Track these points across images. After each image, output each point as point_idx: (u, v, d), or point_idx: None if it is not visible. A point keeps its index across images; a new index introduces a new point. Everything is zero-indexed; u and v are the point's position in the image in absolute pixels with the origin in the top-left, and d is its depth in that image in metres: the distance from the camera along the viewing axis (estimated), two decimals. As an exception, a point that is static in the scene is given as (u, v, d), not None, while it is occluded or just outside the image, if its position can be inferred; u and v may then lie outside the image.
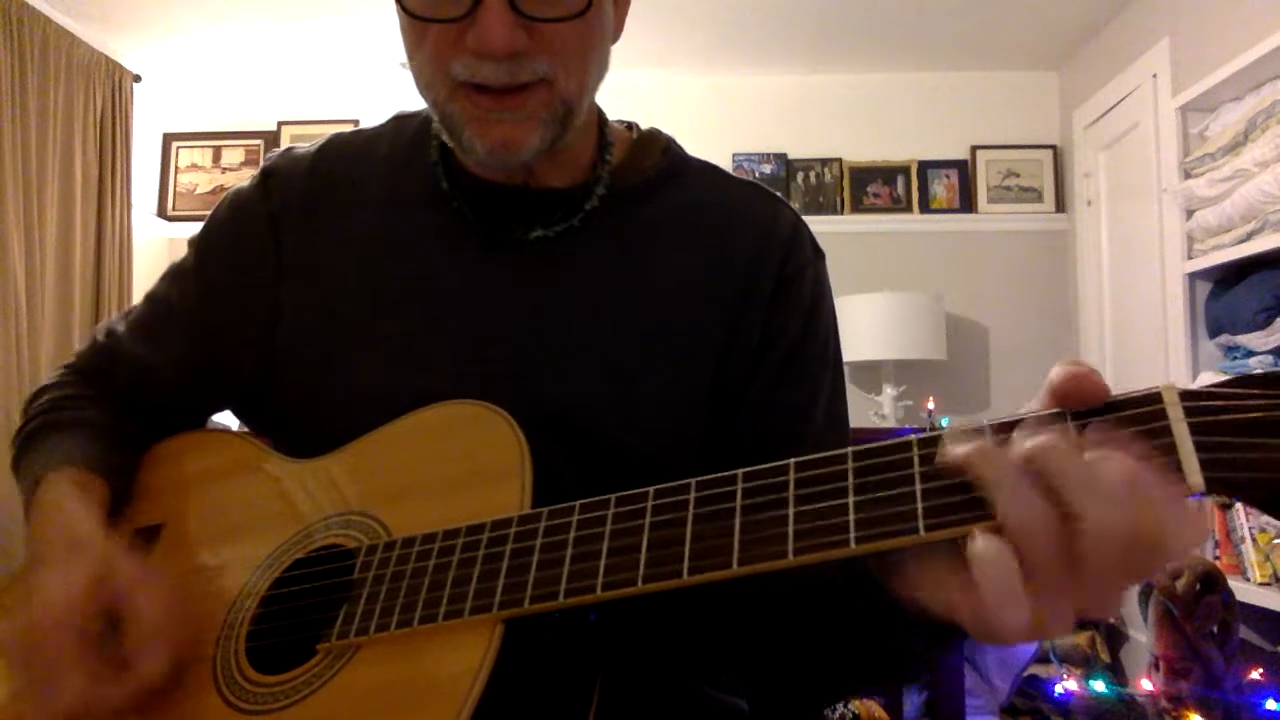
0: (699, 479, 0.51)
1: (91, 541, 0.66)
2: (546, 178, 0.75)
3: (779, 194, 0.83)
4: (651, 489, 0.52)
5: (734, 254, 0.75)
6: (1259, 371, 0.41)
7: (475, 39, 0.63)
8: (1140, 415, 0.42)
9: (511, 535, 0.56)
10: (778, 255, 0.76)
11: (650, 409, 0.72)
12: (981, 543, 0.41)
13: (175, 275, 0.85)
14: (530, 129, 0.67)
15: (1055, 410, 0.44)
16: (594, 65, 0.69)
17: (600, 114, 0.79)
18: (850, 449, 0.48)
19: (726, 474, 0.50)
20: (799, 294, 0.76)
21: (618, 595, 0.50)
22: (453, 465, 0.63)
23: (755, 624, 0.69)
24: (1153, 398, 0.42)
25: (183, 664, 0.63)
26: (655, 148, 0.81)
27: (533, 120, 0.67)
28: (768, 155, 3.89)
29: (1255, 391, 0.40)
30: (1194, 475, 0.40)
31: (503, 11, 0.62)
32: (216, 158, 4.06)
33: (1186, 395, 0.41)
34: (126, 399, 0.85)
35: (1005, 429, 0.44)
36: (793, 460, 0.49)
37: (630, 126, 0.83)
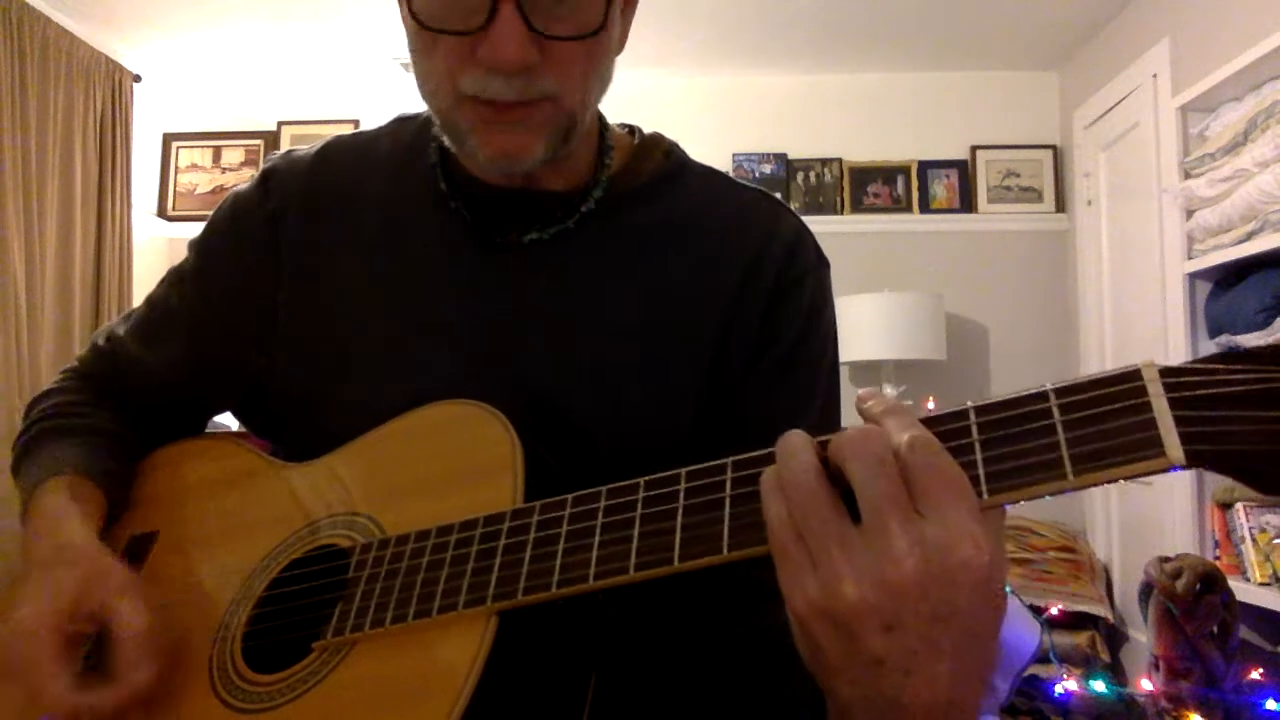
0: (689, 469, 0.52)
1: (81, 549, 0.66)
2: (546, 181, 0.75)
3: (783, 200, 0.83)
4: (642, 480, 0.53)
5: (733, 257, 0.75)
6: (1239, 349, 0.42)
7: (488, 52, 0.63)
8: (1121, 391, 0.42)
9: (505, 530, 0.56)
10: (779, 260, 0.76)
11: (641, 410, 0.72)
12: None
13: (176, 278, 0.85)
14: (534, 140, 0.67)
15: (1037, 390, 0.44)
16: (599, 80, 0.70)
17: (601, 118, 0.80)
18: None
19: (716, 463, 0.51)
20: (799, 300, 0.76)
21: (610, 584, 0.51)
22: (446, 464, 0.64)
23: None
24: (1132, 374, 0.42)
25: (175, 667, 0.63)
26: (657, 152, 0.81)
27: (537, 132, 0.67)
28: (768, 155, 3.89)
29: (1234, 366, 0.41)
30: (1174, 449, 0.40)
31: (517, 26, 0.62)
32: (216, 158, 4.07)
33: (1166, 371, 0.42)
34: (128, 402, 0.85)
35: (988, 410, 0.45)
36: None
37: (633, 131, 0.83)
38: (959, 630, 0.41)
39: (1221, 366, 0.41)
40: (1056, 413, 0.43)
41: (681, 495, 0.51)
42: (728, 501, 0.49)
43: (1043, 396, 0.44)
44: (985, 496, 0.43)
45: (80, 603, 0.61)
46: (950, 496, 0.42)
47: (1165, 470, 0.40)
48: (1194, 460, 0.40)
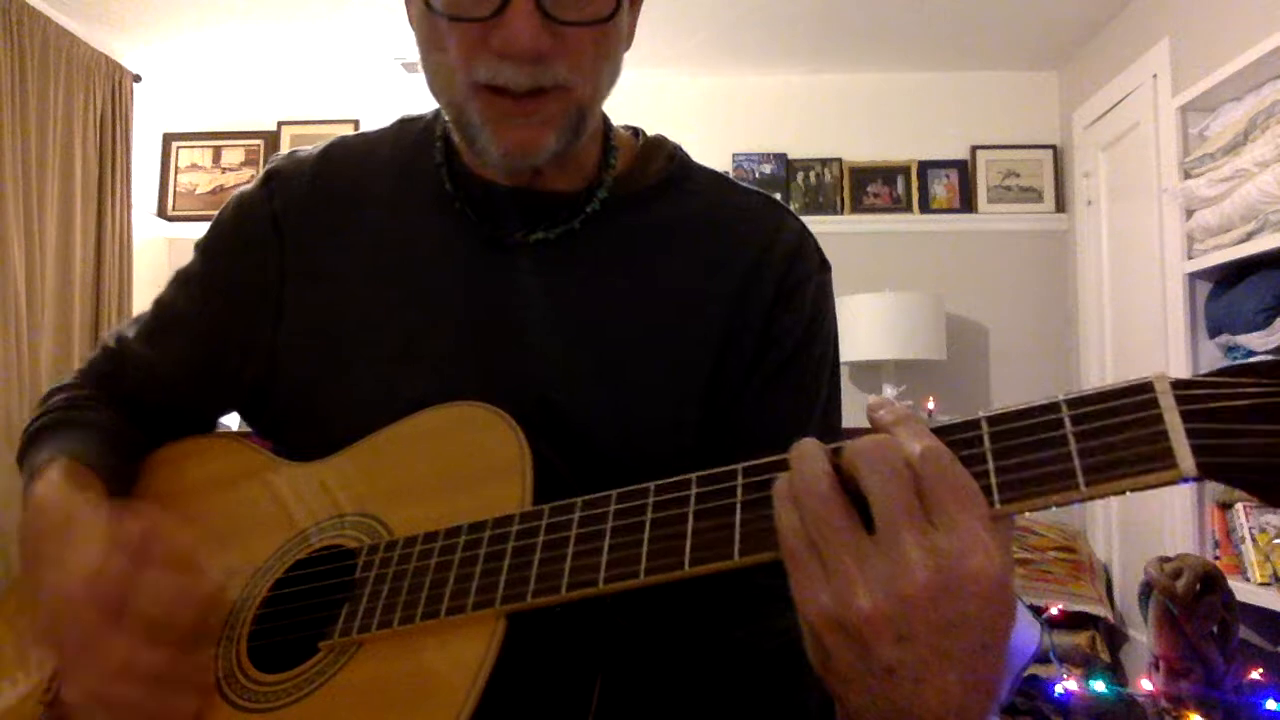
0: (699, 474, 0.52)
1: (91, 513, 0.65)
2: (551, 181, 0.75)
3: (785, 204, 0.83)
4: (652, 484, 0.53)
5: (735, 260, 0.76)
6: (1250, 360, 0.42)
7: (501, 40, 0.63)
8: (1133, 403, 0.42)
9: (514, 533, 0.56)
10: (780, 264, 0.76)
11: (644, 411, 0.72)
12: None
13: (181, 280, 0.86)
14: (546, 132, 0.67)
15: (1049, 400, 0.44)
16: (608, 72, 0.70)
17: (605, 119, 0.80)
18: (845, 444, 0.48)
19: (726, 469, 0.51)
20: (800, 303, 0.76)
21: (620, 588, 0.51)
22: (453, 465, 0.64)
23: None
24: (1145, 387, 0.42)
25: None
26: (661, 154, 0.81)
27: (549, 124, 0.67)
28: (768, 155, 3.89)
29: (1246, 379, 0.41)
30: (1185, 460, 0.40)
31: (531, 13, 0.62)
32: (216, 158, 4.06)
33: (1178, 384, 0.42)
34: (134, 402, 0.85)
35: (1000, 420, 0.45)
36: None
37: (636, 133, 0.83)
38: (970, 639, 0.41)
39: (1232, 379, 0.41)
40: (1068, 424, 0.43)
41: (692, 500, 0.51)
42: (739, 508, 0.49)
43: (1055, 407, 0.44)
44: (997, 506, 0.43)
45: (110, 558, 0.59)
46: (962, 507, 0.42)
47: (1176, 482, 0.41)
48: (1205, 472, 0.40)
